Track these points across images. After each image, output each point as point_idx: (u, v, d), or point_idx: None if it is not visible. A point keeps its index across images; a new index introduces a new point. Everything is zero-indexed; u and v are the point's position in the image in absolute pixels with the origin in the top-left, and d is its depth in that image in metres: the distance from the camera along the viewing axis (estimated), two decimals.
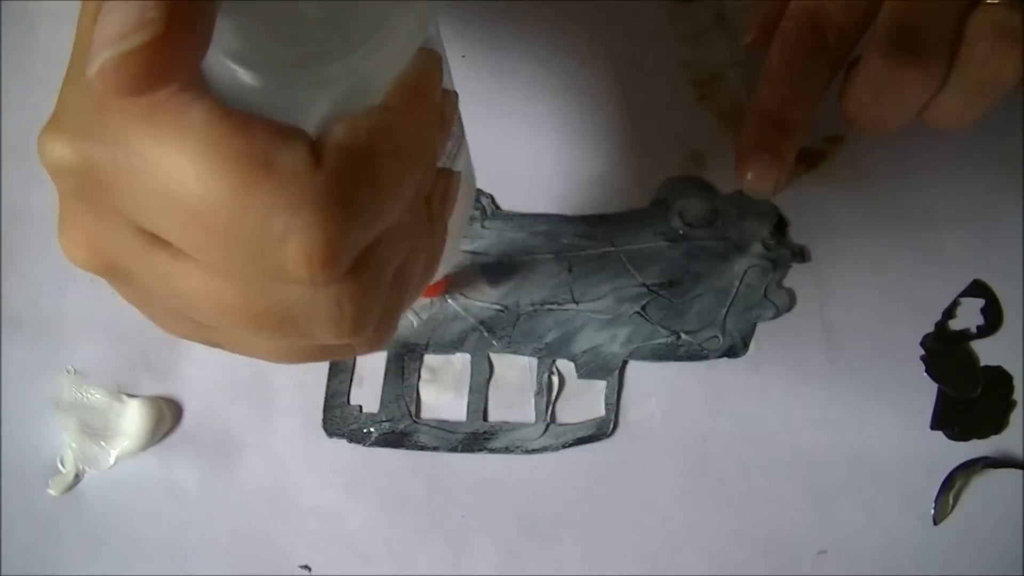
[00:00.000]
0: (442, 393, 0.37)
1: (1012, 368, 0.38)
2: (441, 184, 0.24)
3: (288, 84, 0.20)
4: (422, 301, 0.38)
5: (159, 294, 0.21)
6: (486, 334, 0.38)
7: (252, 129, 0.18)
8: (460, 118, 0.27)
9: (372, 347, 0.24)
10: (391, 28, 0.20)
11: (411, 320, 0.38)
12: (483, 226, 0.39)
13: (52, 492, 0.36)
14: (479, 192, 0.40)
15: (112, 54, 0.17)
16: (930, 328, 0.38)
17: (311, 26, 0.20)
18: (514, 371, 0.38)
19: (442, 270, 0.35)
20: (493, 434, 0.37)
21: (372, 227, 0.20)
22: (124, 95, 0.17)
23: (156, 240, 0.20)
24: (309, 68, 0.20)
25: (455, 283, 0.39)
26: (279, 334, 0.21)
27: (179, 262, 0.20)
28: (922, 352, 0.38)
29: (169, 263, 0.20)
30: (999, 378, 0.38)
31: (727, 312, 0.38)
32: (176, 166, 0.18)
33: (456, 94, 0.25)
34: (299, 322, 0.21)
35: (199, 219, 0.18)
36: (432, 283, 0.35)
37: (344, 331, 0.21)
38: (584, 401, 0.37)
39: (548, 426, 0.37)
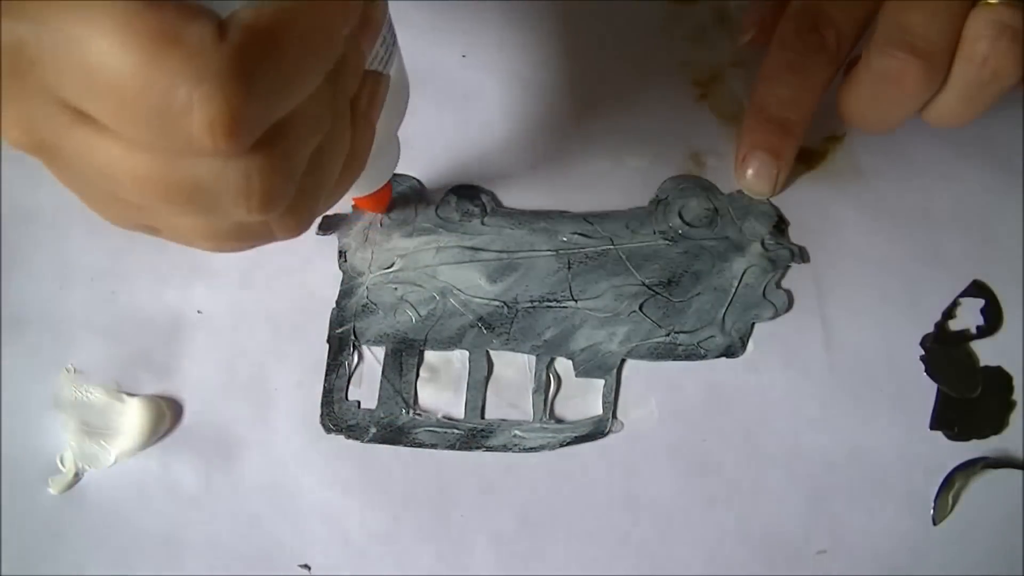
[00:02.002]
0: (440, 390, 0.37)
1: (1012, 368, 0.38)
2: (369, 85, 0.26)
3: None
4: (421, 295, 0.38)
5: (86, 172, 0.22)
6: (485, 331, 0.38)
7: (163, 6, 0.19)
8: (392, 27, 0.29)
9: (289, 231, 0.25)
10: None
11: (410, 316, 0.38)
12: (483, 223, 0.40)
13: (52, 491, 0.36)
14: (479, 190, 0.40)
15: None
16: (930, 328, 0.38)
17: None
18: (512, 368, 0.38)
19: (380, 176, 0.36)
20: (491, 432, 0.37)
21: (276, 104, 0.21)
22: None
23: (80, 115, 0.21)
24: None
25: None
26: (193, 208, 0.22)
27: (101, 136, 0.21)
28: (922, 352, 0.38)
29: (92, 137, 0.21)
30: (999, 378, 0.38)
31: (726, 311, 0.38)
32: (92, 41, 0.19)
33: (386, 3, 0.27)
34: (210, 195, 0.22)
35: (113, 91, 0.19)
36: (371, 192, 0.36)
37: (253, 205, 0.22)
38: (582, 400, 0.37)
39: (546, 424, 0.37)
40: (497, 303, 0.38)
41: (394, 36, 0.30)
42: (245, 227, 0.25)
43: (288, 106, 0.22)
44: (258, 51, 0.20)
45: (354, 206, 0.40)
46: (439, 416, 0.37)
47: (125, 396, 0.37)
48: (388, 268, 0.39)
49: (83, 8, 0.19)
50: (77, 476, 0.36)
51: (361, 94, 0.26)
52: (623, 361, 0.38)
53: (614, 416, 0.37)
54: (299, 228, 0.26)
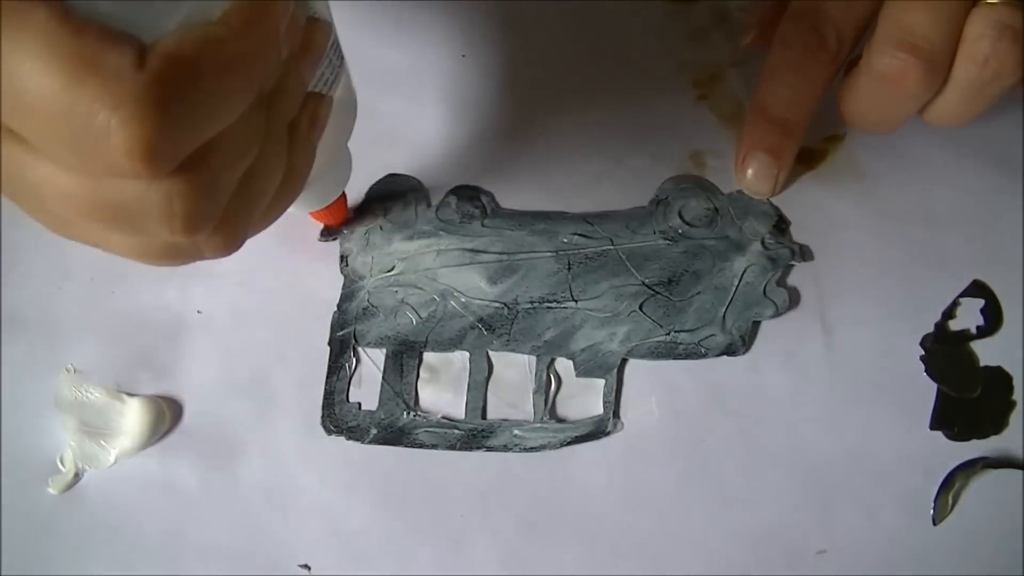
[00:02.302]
0: (441, 391, 0.37)
1: (1012, 368, 0.38)
2: (310, 108, 0.27)
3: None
4: (422, 298, 0.38)
5: (20, 188, 0.23)
6: (485, 332, 0.38)
7: (85, 32, 0.20)
8: (339, 47, 0.29)
9: (218, 250, 0.26)
10: None
11: (410, 318, 0.38)
12: (483, 224, 0.40)
13: (52, 491, 0.36)
14: (479, 190, 0.40)
15: None
16: (930, 328, 0.38)
17: None
18: (513, 369, 0.38)
19: (331, 191, 0.36)
20: (492, 432, 0.37)
21: (197, 130, 0.22)
22: None
23: (12, 134, 0.21)
24: None
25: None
26: (119, 227, 0.23)
27: (31, 155, 0.22)
28: (922, 352, 0.38)
29: (23, 155, 0.22)
30: (999, 378, 0.38)
31: (726, 310, 0.38)
32: (19, 64, 0.20)
33: (330, 24, 0.27)
34: (134, 216, 0.22)
35: (37, 113, 0.20)
36: (325, 206, 0.37)
37: (176, 227, 0.23)
38: (583, 399, 0.37)
39: (547, 424, 0.37)
40: (497, 304, 0.38)
41: (341, 56, 0.29)
42: (174, 246, 0.25)
43: (211, 132, 0.22)
44: (177, 79, 0.20)
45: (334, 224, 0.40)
46: (439, 417, 0.37)
47: (125, 396, 0.37)
48: (389, 271, 0.39)
49: (13, 31, 0.19)
50: (77, 476, 0.36)
51: (301, 117, 0.26)
52: (624, 361, 0.38)
53: (615, 416, 0.37)
54: (228, 248, 0.26)
